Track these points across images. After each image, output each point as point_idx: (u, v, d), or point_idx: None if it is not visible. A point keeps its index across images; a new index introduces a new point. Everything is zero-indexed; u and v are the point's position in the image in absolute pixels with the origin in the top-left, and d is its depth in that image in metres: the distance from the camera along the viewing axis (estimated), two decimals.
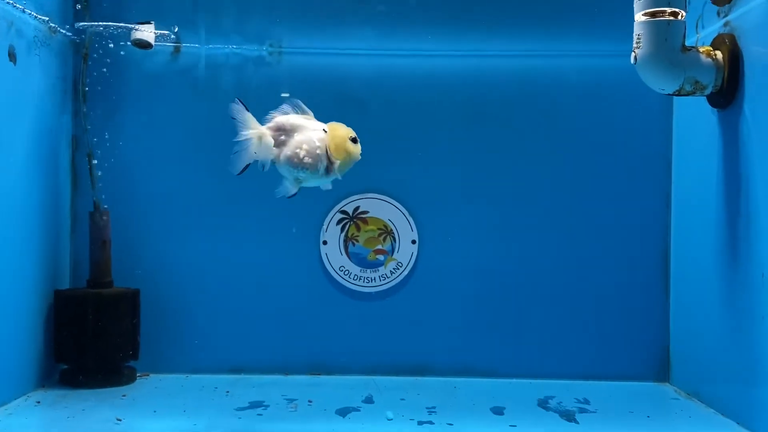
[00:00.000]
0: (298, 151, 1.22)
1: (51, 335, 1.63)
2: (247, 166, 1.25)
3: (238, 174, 1.25)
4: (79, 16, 1.71)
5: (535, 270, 1.78)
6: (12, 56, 1.48)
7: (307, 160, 1.21)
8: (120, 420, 1.36)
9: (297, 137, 1.22)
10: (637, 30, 1.41)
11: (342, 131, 1.25)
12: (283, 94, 1.77)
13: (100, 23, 1.68)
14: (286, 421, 1.39)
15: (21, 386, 1.53)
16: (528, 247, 1.78)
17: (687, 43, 1.43)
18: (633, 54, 1.44)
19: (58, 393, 1.56)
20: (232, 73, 1.78)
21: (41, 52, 1.61)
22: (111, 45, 1.73)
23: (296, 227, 1.78)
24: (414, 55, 1.79)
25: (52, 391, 1.57)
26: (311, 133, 1.22)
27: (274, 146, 1.24)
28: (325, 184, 1.28)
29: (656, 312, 1.77)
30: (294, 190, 1.25)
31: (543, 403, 1.54)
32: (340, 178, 1.25)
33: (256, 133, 1.24)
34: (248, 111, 1.24)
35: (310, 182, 1.25)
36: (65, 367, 1.64)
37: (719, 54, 1.43)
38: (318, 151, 1.21)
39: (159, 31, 1.70)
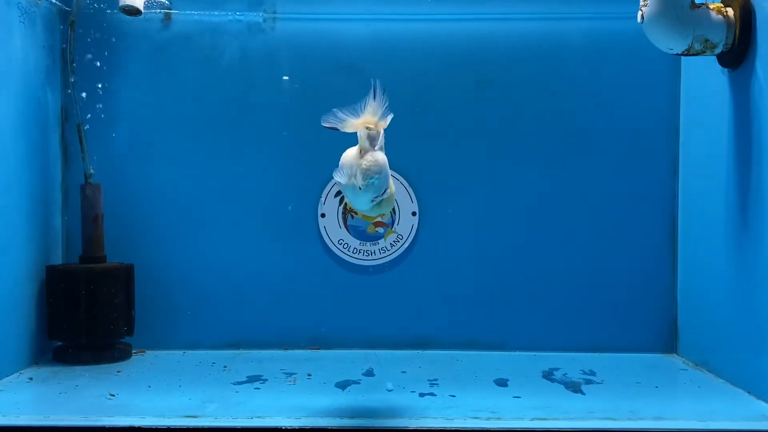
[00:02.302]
0: (381, 163, 1.19)
1: (44, 312, 1.60)
2: (335, 129, 1.22)
3: (324, 125, 1.22)
4: None
5: (539, 241, 1.73)
6: None
7: (375, 176, 1.19)
8: (113, 395, 1.33)
9: (384, 158, 1.21)
10: None
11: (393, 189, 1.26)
12: (284, 78, 1.72)
13: None
14: (285, 394, 1.36)
15: (13, 363, 1.50)
16: (531, 217, 1.73)
17: (696, 0, 1.37)
18: (640, 12, 1.39)
19: (51, 370, 1.53)
20: (225, 40, 1.73)
21: (26, 19, 1.55)
22: (99, 12, 1.68)
23: (292, 204, 1.74)
24: (412, 19, 1.73)
25: (45, 368, 1.54)
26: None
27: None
28: (350, 190, 1.23)
29: (663, 282, 1.73)
30: (344, 181, 1.22)
31: (548, 375, 1.51)
32: (357, 208, 1.26)
33: (373, 121, 1.20)
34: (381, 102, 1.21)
35: (353, 187, 1.21)
36: (59, 343, 1.61)
37: (730, 11, 1.38)
38: (386, 181, 1.21)
39: None
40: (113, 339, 1.62)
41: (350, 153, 1.22)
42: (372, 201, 1.22)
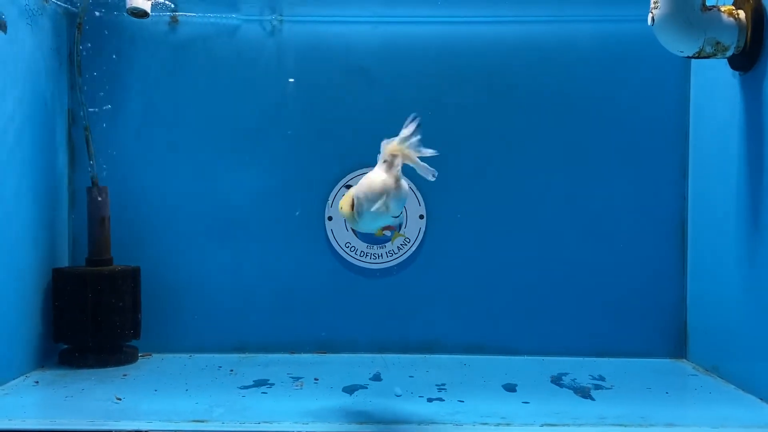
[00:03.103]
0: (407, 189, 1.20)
1: (50, 314, 1.59)
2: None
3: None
4: None
5: (547, 244, 1.72)
6: (2, 25, 1.43)
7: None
8: (119, 399, 1.32)
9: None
10: None
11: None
12: (290, 80, 1.72)
13: None
14: (292, 398, 1.35)
15: (19, 366, 1.50)
16: (540, 221, 1.72)
17: (708, 2, 1.36)
18: (650, 15, 1.37)
19: (57, 373, 1.52)
20: (232, 42, 1.72)
21: (33, 21, 1.55)
22: (106, 14, 1.68)
23: (300, 209, 1.73)
24: (419, 22, 1.73)
25: (51, 371, 1.53)
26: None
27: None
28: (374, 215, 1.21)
29: (672, 286, 1.71)
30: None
31: (556, 380, 1.49)
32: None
33: (397, 149, 1.18)
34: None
35: (381, 214, 1.19)
36: (65, 347, 1.61)
37: (742, 13, 1.37)
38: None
39: (155, 0, 1.64)
40: (119, 342, 1.61)
41: (380, 180, 1.17)
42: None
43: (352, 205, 1.20)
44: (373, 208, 1.16)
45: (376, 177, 1.17)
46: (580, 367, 1.60)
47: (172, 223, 1.73)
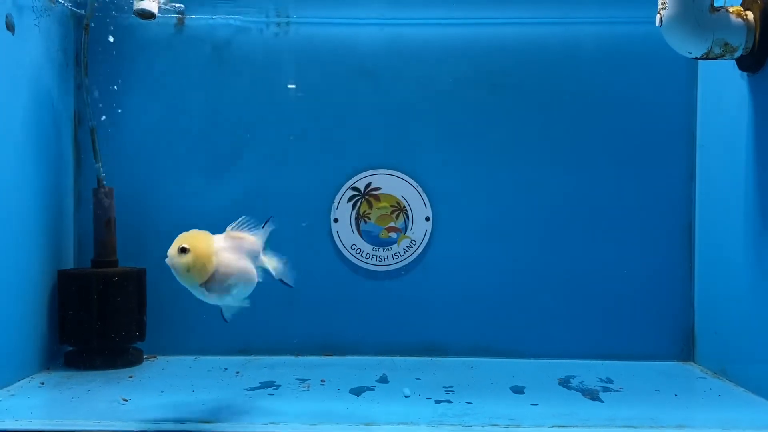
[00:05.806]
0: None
1: (55, 316, 1.58)
2: None
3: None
4: None
5: (554, 246, 1.72)
6: (9, 26, 1.43)
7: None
8: (126, 400, 1.31)
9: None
10: None
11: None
12: (289, 86, 1.72)
13: None
14: (299, 400, 1.34)
15: (25, 368, 1.49)
16: (547, 223, 1.72)
17: (716, 3, 1.36)
18: (658, 16, 1.37)
19: (62, 374, 1.52)
20: (238, 44, 1.72)
21: (41, 22, 1.55)
22: (113, 15, 1.68)
23: (307, 219, 1.73)
24: (425, 23, 1.73)
25: (57, 373, 1.53)
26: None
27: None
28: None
29: (680, 288, 1.70)
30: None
31: (564, 383, 1.48)
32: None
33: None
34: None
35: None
36: (70, 348, 1.60)
37: (750, 14, 1.36)
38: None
39: (162, 1, 1.64)
40: (125, 344, 1.61)
41: (251, 270, 1.29)
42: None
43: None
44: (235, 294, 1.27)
45: (247, 265, 1.28)
46: (588, 370, 1.59)
47: (177, 224, 1.70)
